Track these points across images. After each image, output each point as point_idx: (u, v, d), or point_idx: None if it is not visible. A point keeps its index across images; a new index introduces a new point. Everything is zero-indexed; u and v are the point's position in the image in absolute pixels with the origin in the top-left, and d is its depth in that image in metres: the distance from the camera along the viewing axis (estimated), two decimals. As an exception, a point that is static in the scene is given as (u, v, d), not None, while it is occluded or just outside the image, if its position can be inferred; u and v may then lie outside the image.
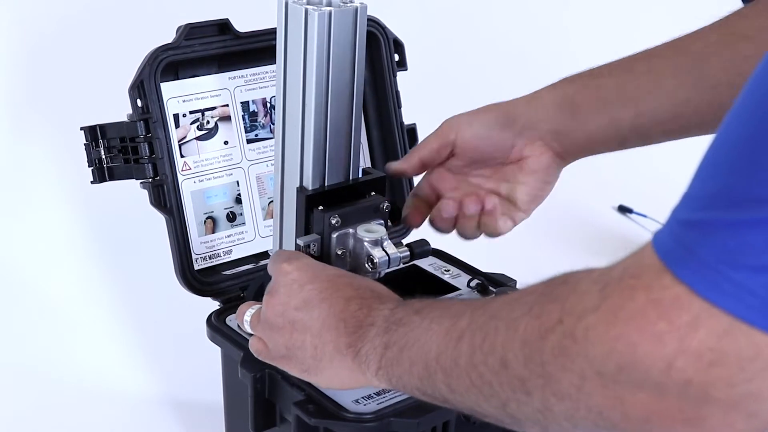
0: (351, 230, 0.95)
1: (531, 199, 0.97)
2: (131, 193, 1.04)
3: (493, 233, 0.97)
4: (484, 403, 0.68)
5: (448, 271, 1.14)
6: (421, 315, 0.76)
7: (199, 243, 1.05)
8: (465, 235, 0.98)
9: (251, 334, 0.91)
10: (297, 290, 0.84)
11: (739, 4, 0.93)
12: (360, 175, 0.99)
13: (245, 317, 0.90)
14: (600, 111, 0.92)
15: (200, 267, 1.05)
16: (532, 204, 0.97)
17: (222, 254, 1.07)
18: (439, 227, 0.98)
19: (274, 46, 0.95)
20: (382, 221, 0.97)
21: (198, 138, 1.05)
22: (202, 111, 1.06)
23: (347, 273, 0.88)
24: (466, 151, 0.96)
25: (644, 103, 0.91)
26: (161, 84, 1.02)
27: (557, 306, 0.62)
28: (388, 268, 0.95)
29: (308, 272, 0.85)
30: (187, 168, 1.04)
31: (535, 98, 0.94)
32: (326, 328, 0.82)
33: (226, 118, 1.07)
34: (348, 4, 0.92)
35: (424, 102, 1.39)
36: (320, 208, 0.94)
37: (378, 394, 0.92)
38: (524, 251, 1.52)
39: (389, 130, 1.16)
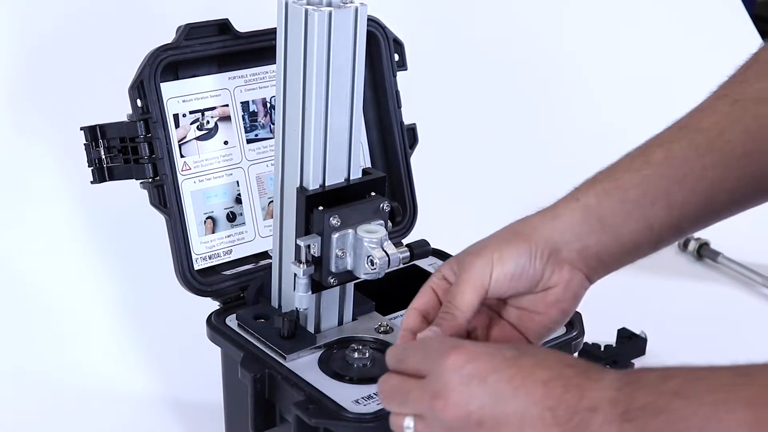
0: (351, 230, 0.95)
1: (545, 331, 0.88)
2: (131, 193, 1.04)
3: None
4: None
5: (448, 271, 1.14)
6: (688, 399, 0.65)
7: (199, 243, 1.05)
8: None
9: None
10: (478, 385, 0.72)
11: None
12: (360, 176, 0.99)
13: (406, 430, 0.77)
14: (629, 215, 0.84)
15: (200, 267, 1.05)
16: (544, 336, 0.89)
17: (222, 254, 1.07)
18: None
19: (274, 46, 0.95)
20: (382, 221, 0.97)
21: (198, 138, 1.05)
22: (202, 111, 1.06)
23: (525, 349, 0.78)
24: (494, 293, 0.85)
25: (674, 195, 0.84)
26: (161, 84, 1.02)
27: None
28: (388, 268, 0.95)
29: (484, 361, 0.73)
30: (187, 168, 1.04)
31: (557, 216, 0.85)
32: (528, 421, 0.70)
33: (226, 118, 1.07)
34: (348, 4, 0.93)
35: (424, 102, 1.39)
36: (320, 208, 0.94)
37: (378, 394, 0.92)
38: (524, 251, 1.52)
39: (389, 130, 1.16)
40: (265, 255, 1.08)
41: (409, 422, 0.76)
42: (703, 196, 0.85)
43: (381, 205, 0.97)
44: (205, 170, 1.06)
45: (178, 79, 1.04)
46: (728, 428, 0.62)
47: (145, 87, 1.00)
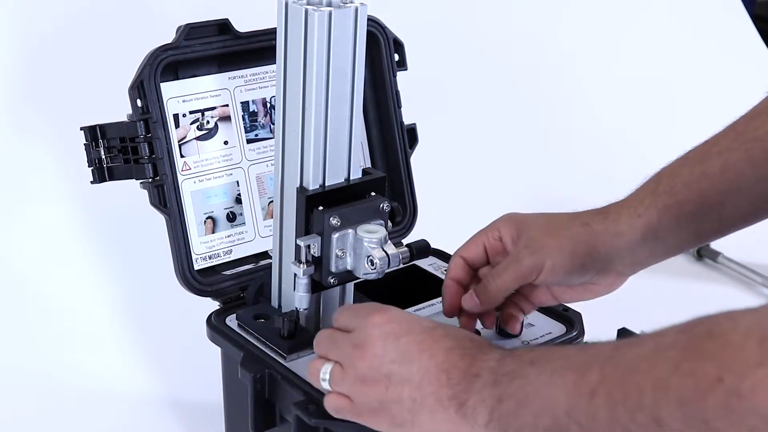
0: (351, 230, 0.95)
1: (573, 301, 0.99)
2: (131, 193, 1.04)
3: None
4: None
5: (448, 271, 1.14)
6: (537, 366, 0.75)
7: (199, 243, 1.05)
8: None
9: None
10: (393, 342, 0.81)
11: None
12: (360, 176, 0.99)
13: (322, 374, 0.86)
14: (682, 228, 0.91)
15: (200, 267, 1.05)
16: (570, 303, 1.00)
17: (222, 254, 1.07)
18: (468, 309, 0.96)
19: (274, 46, 0.95)
20: (382, 221, 0.97)
21: (198, 138, 1.05)
22: (202, 111, 1.06)
23: (441, 324, 0.85)
24: (545, 280, 0.92)
25: (726, 208, 0.90)
26: (161, 84, 1.02)
27: (712, 364, 0.61)
28: (388, 268, 0.95)
29: (402, 324, 0.83)
30: (187, 168, 1.04)
31: (619, 234, 0.91)
32: (427, 380, 0.79)
33: (226, 118, 1.07)
34: (348, 4, 0.92)
35: (424, 102, 1.39)
36: (320, 208, 0.94)
37: (378, 394, 0.92)
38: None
39: (389, 130, 1.16)
40: (265, 255, 1.08)
41: (327, 367, 0.85)
42: (752, 206, 0.90)
43: (381, 205, 0.97)
44: (205, 170, 1.06)
45: (178, 79, 1.04)
46: (557, 390, 0.72)
47: (145, 87, 1.00)
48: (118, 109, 1.02)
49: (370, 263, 0.94)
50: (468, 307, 0.94)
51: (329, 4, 0.92)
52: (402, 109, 1.16)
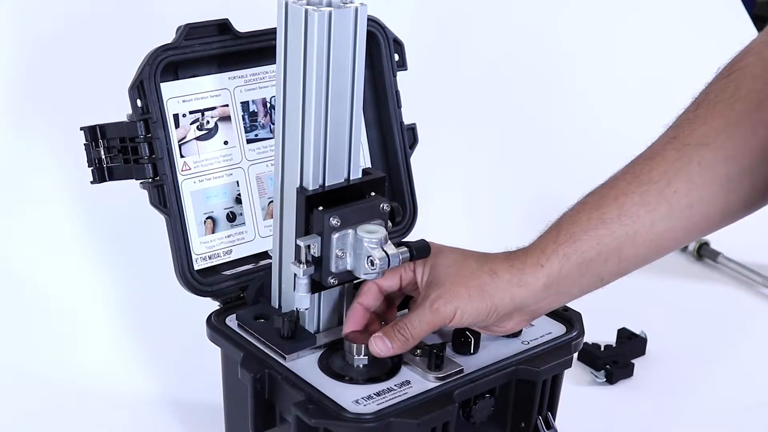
0: (351, 230, 0.95)
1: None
2: (131, 193, 1.04)
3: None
4: None
5: (448, 271, 1.14)
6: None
7: (199, 243, 1.05)
8: None
9: None
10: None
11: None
12: (360, 176, 0.99)
13: None
14: (584, 275, 0.93)
15: (200, 267, 1.05)
16: None
17: (222, 254, 1.07)
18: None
19: (274, 46, 0.95)
20: (382, 221, 0.97)
21: (198, 138, 1.05)
22: (202, 111, 1.06)
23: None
24: (454, 325, 0.96)
25: (625, 251, 0.92)
26: (161, 84, 1.02)
27: None
28: (389, 268, 0.95)
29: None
30: (187, 168, 1.04)
31: (523, 284, 0.93)
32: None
33: (226, 118, 1.07)
34: (348, 4, 0.93)
35: (424, 102, 1.39)
36: (320, 208, 0.94)
37: (378, 394, 0.92)
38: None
39: (389, 130, 1.16)
40: (265, 255, 1.08)
41: None
42: (651, 246, 0.93)
43: (381, 205, 0.97)
44: (205, 170, 1.06)
45: (178, 79, 1.04)
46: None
47: (145, 87, 1.00)
48: (118, 109, 1.02)
49: (370, 263, 0.94)
50: (381, 353, 0.94)
51: (329, 4, 0.92)
52: (402, 109, 1.16)
